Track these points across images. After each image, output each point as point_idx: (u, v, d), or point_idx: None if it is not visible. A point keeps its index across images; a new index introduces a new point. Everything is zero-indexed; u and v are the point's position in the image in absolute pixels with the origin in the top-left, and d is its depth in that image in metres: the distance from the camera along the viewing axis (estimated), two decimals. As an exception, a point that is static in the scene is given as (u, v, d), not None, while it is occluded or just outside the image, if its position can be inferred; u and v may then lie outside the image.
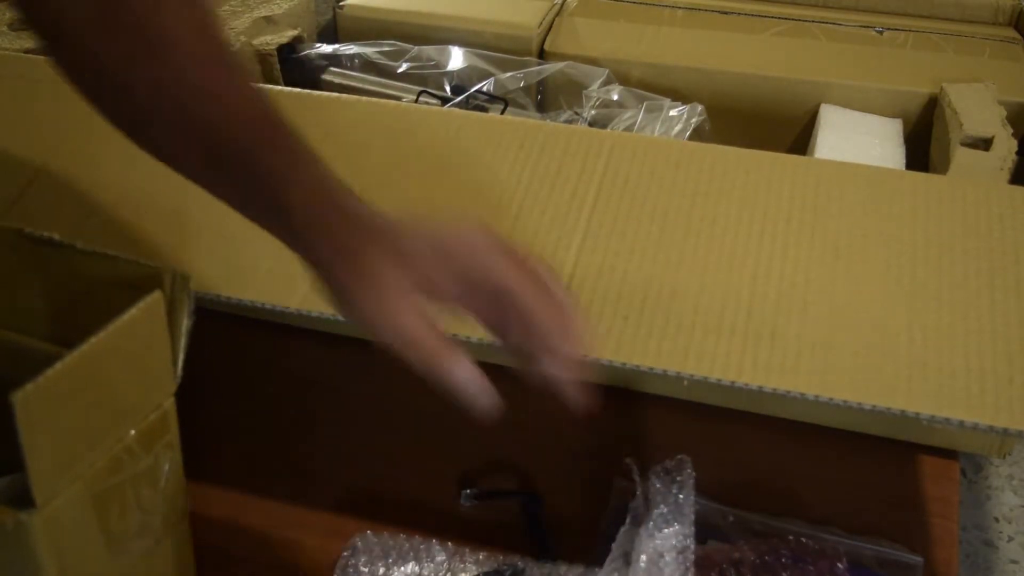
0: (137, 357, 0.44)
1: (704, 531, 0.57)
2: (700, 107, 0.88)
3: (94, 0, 0.40)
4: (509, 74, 0.94)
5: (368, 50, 0.98)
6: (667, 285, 0.56)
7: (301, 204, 0.42)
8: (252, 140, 0.42)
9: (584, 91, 0.93)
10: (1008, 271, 0.56)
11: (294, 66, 0.98)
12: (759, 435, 0.67)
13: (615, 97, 0.91)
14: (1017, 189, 0.61)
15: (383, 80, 0.96)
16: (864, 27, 1.01)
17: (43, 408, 0.39)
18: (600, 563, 0.54)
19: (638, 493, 0.56)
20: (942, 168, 0.81)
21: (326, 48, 0.98)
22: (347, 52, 0.98)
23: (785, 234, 0.58)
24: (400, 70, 0.96)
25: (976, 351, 0.52)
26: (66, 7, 0.41)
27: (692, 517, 0.54)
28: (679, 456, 0.57)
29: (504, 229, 0.59)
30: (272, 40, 0.96)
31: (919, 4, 1.05)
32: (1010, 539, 0.88)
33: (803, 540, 0.57)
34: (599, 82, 0.93)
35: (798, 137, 0.95)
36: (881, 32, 1.01)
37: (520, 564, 0.57)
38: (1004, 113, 0.83)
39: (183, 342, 0.47)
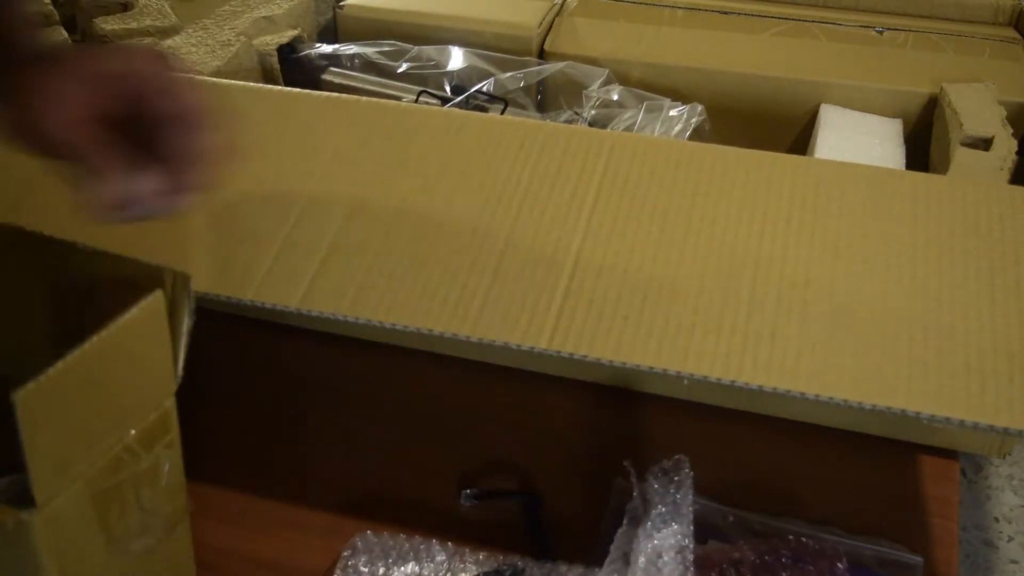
0: (137, 357, 0.44)
1: (704, 531, 0.57)
2: (700, 107, 0.88)
3: None
4: (509, 74, 0.94)
5: (368, 50, 0.98)
6: (667, 285, 0.56)
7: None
8: None
9: (584, 91, 0.93)
10: (1008, 271, 0.56)
11: (294, 66, 0.98)
12: (759, 435, 0.67)
13: (615, 97, 0.91)
14: (1017, 189, 0.61)
15: (383, 80, 0.96)
16: (864, 27, 1.01)
17: (43, 407, 0.39)
18: (600, 563, 0.54)
19: (636, 494, 0.56)
20: (942, 168, 0.81)
21: (326, 48, 0.98)
22: (347, 52, 0.98)
23: (785, 234, 0.58)
24: (400, 70, 0.96)
25: (976, 351, 0.52)
26: None
27: (690, 517, 0.54)
28: (676, 456, 0.57)
29: (504, 229, 0.59)
30: (272, 40, 0.96)
31: (919, 4, 1.05)
32: (1010, 539, 0.88)
33: (803, 540, 0.57)
34: (599, 82, 0.93)
35: (798, 137, 0.95)
36: (881, 32, 1.01)
37: (520, 564, 0.57)
38: (1004, 113, 0.83)
39: (183, 342, 0.47)
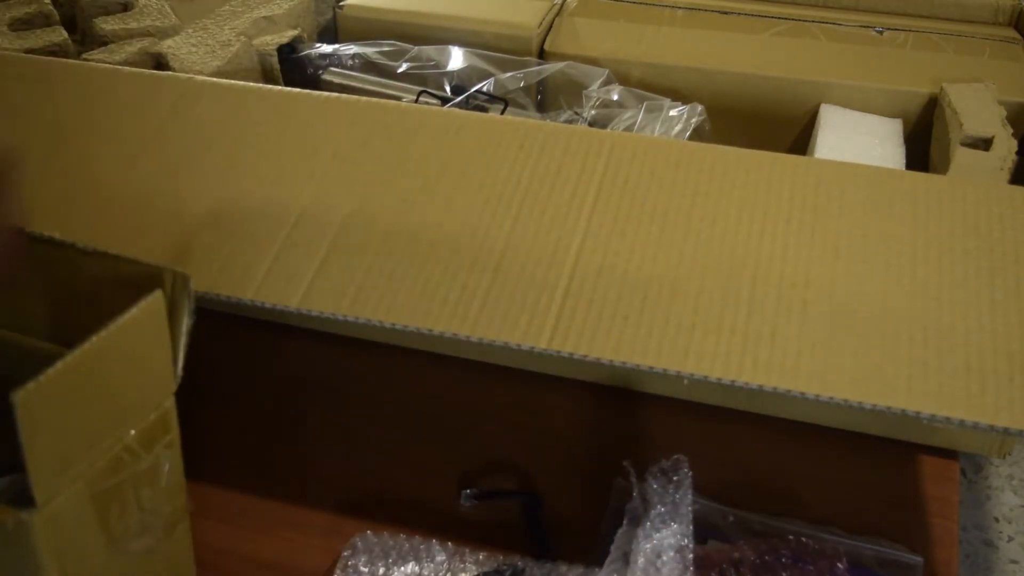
0: (137, 357, 0.44)
1: (704, 531, 0.57)
2: (700, 107, 0.88)
3: None
4: (509, 74, 0.94)
5: (368, 50, 0.98)
6: (667, 285, 0.56)
7: None
8: None
9: (584, 91, 0.93)
10: (1008, 271, 0.56)
11: (294, 66, 0.98)
12: (759, 435, 0.67)
13: (615, 97, 0.91)
14: (1017, 189, 0.61)
15: (383, 80, 0.96)
16: (864, 27, 1.01)
17: (44, 407, 0.39)
18: (600, 563, 0.54)
19: (635, 494, 0.56)
20: (942, 168, 0.81)
21: (326, 48, 0.98)
22: (347, 52, 0.98)
23: (785, 234, 0.58)
24: (400, 70, 0.96)
25: (976, 351, 0.52)
26: None
27: (690, 516, 0.54)
28: (676, 456, 0.57)
29: (504, 229, 0.59)
30: (272, 40, 0.96)
31: (919, 4, 1.05)
32: (1010, 539, 0.88)
33: (803, 540, 0.57)
34: (599, 82, 0.93)
35: (798, 137, 0.95)
36: (881, 32, 1.01)
37: (520, 564, 0.57)
38: (1004, 113, 0.83)
39: (183, 342, 0.47)
